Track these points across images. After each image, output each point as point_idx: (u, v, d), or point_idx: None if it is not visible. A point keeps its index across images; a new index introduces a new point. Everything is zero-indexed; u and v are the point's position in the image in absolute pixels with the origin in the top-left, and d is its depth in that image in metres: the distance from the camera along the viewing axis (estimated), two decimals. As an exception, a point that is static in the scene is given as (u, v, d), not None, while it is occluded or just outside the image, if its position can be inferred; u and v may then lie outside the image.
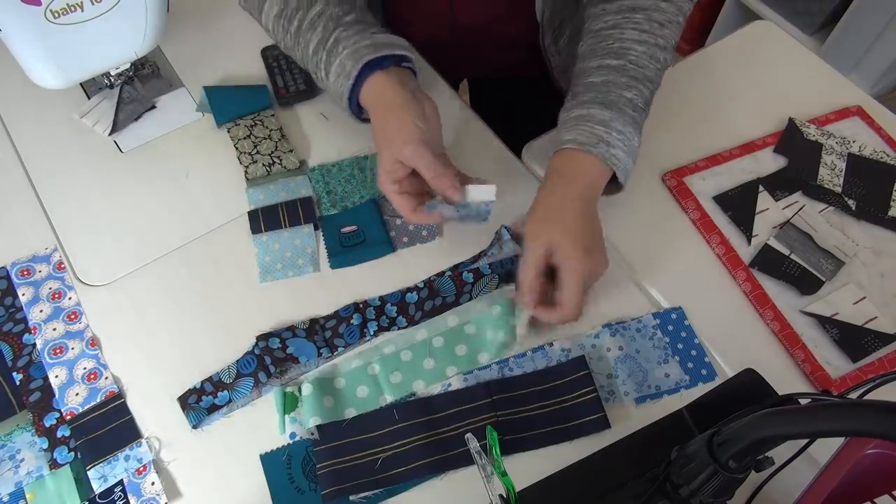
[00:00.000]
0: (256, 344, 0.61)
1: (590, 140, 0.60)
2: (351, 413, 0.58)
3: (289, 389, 0.58)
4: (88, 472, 0.55)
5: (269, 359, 0.59)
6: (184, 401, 0.58)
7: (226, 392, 0.58)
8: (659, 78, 0.65)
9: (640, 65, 0.63)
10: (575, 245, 0.58)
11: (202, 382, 0.59)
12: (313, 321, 0.62)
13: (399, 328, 0.63)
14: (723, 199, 0.72)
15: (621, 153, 0.61)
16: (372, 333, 0.62)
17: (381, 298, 0.64)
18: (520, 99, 0.93)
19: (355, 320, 0.62)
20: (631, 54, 0.63)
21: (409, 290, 0.65)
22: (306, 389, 0.58)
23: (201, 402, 0.58)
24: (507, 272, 0.65)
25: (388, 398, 0.59)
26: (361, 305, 0.63)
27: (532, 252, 0.59)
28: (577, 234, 0.58)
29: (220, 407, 0.58)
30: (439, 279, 0.65)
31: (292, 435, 0.57)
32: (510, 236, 0.67)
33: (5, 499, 0.54)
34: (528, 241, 0.60)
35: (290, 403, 0.58)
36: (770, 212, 0.72)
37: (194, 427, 0.57)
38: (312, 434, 0.56)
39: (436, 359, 0.61)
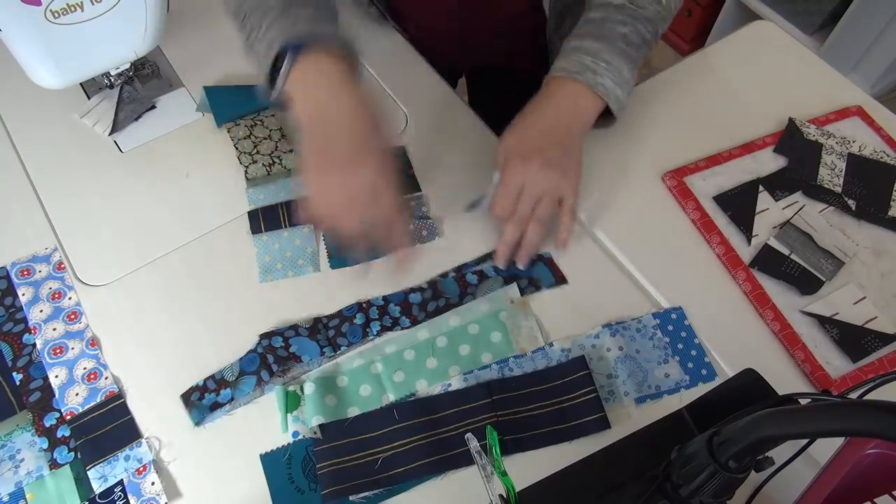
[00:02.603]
0: (259, 342, 0.61)
1: (576, 68, 0.63)
2: (354, 412, 0.58)
3: (291, 388, 0.58)
4: (88, 472, 0.55)
5: (272, 357, 0.59)
6: (187, 398, 0.58)
7: (228, 390, 0.58)
8: (659, 19, 0.67)
9: (640, 5, 0.65)
10: (525, 151, 0.60)
11: (205, 380, 0.59)
12: (316, 320, 0.62)
13: (402, 328, 0.62)
14: (723, 199, 0.72)
15: (609, 82, 0.63)
16: (375, 333, 0.62)
17: (384, 298, 0.64)
18: (519, 96, 0.93)
19: (358, 320, 0.62)
20: None
21: (413, 290, 0.64)
22: (309, 388, 0.58)
23: (204, 400, 0.58)
24: (511, 275, 0.65)
25: (391, 397, 0.59)
26: (365, 305, 0.63)
27: (496, 157, 0.62)
28: (532, 144, 0.61)
29: (223, 404, 0.58)
30: (443, 280, 0.65)
31: (295, 434, 0.57)
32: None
33: (5, 499, 0.54)
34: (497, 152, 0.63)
35: (292, 402, 0.58)
36: (770, 212, 0.72)
37: (196, 424, 0.57)
38: (315, 433, 0.56)
39: (438, 358, 0.61)
